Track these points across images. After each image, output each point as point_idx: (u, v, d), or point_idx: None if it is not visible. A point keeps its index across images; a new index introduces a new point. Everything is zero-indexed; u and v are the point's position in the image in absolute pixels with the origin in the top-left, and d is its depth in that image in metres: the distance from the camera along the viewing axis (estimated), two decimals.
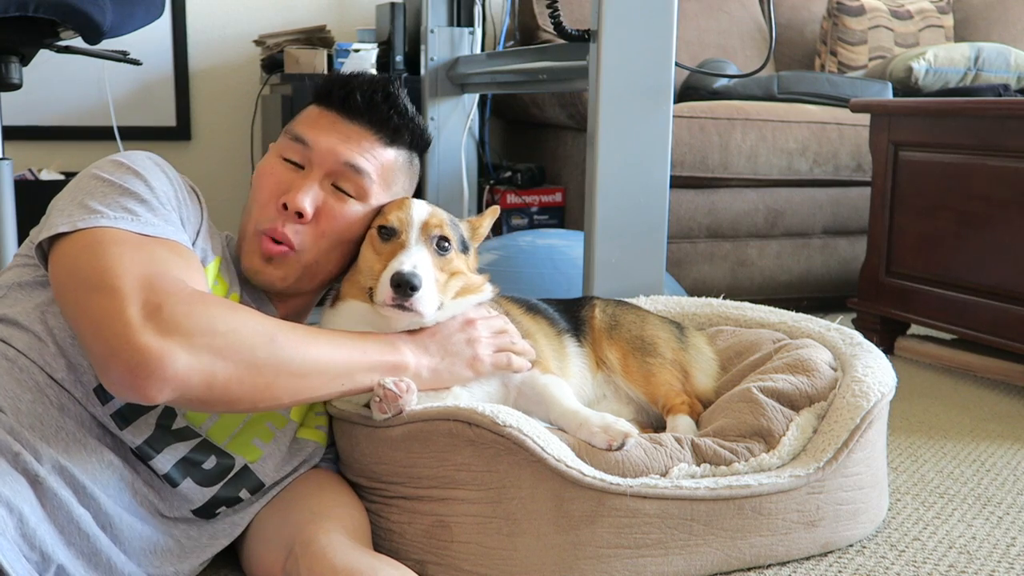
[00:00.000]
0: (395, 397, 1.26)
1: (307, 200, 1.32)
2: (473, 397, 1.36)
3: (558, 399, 1.39)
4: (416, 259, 1.29)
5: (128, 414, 1.19)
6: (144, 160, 1.28)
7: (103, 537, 1.14)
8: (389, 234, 1.34)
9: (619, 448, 1.30)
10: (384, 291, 1.27)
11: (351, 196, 1.36)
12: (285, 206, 1.33)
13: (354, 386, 1.25)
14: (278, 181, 1.36)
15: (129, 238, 1.15)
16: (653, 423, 1.59)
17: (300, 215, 1.32)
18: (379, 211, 1.38)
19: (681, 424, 1.51)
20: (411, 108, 1.42)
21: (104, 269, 1.10)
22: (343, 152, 1.35)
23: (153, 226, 1.18)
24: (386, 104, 1.39)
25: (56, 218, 1.18)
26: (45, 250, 1.20)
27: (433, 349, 1.33)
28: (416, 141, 1.44)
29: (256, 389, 1.13)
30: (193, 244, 1.28)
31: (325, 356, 1.21)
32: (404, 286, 1.25)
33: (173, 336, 1.06)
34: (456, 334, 1.35)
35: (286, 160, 1.37)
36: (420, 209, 1.36)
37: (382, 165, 1.39)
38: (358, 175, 1.36)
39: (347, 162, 1.35)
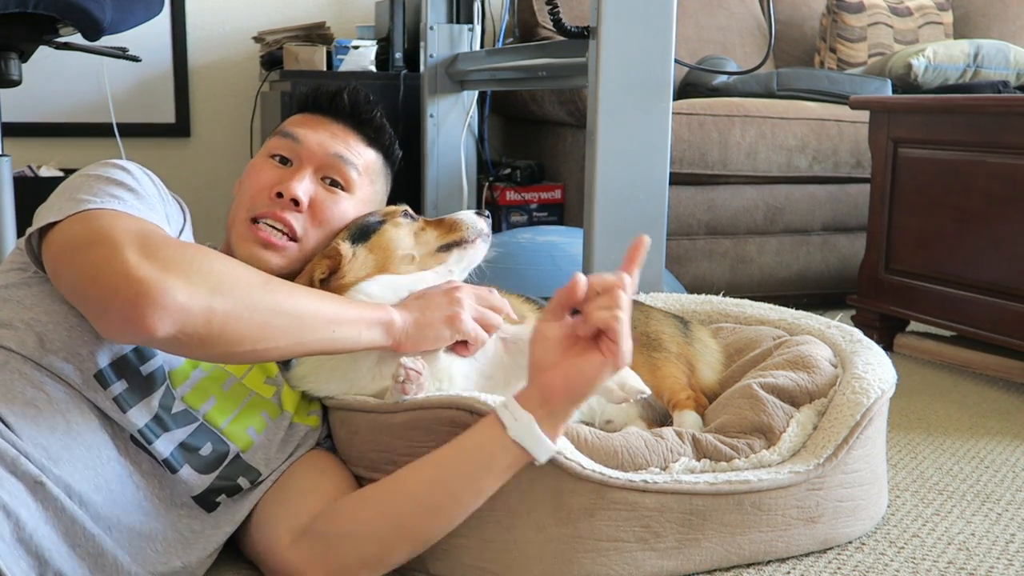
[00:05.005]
0: (418, 374, 1.29)
1: (300, 188, 1.43)
2: (470, 365, 1.39)
3: None
4: None
5: (129, 397, 1.20)
6: (128, 162, 1.32)
7: (108, 539, 1.14)
8: (414, 218, 1.49)
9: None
10: (476, 221, 1.48)
11: (341, 188, 1.47)
12: (280, 195, 1.42)
13: (345, 336, 1.25)
14: (270, 175, 1.45)
15: (118, 213, 1.18)
16: (659, 418, 1.59)
17: (296, 203, 1.42)
18: (372, 214, 1.48)
19: (688, 420, 1.51)
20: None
21: (97, 228, 1.13)
22: (331, 146, 1.47)
23: (138, 211, 1.21)
24: (368, 105, 1.53)
25: (44, 214, 1.20)
26: (35, 246, 1.21)
27: (413, 307, 1.35)
28: (391, 147, 1.57)
29: (254, 327, 1.14)
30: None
31: (314, 303, 1.24)
32: (485, 214, 1.49)
33: (171, 271, 1.08)
34: (438, 296, 1.37)
35: (275, 157, 1.47)
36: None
37: (366, 161, 1.51)
38: (346, 167, 1.47)
39: (336, 154, 1.47)
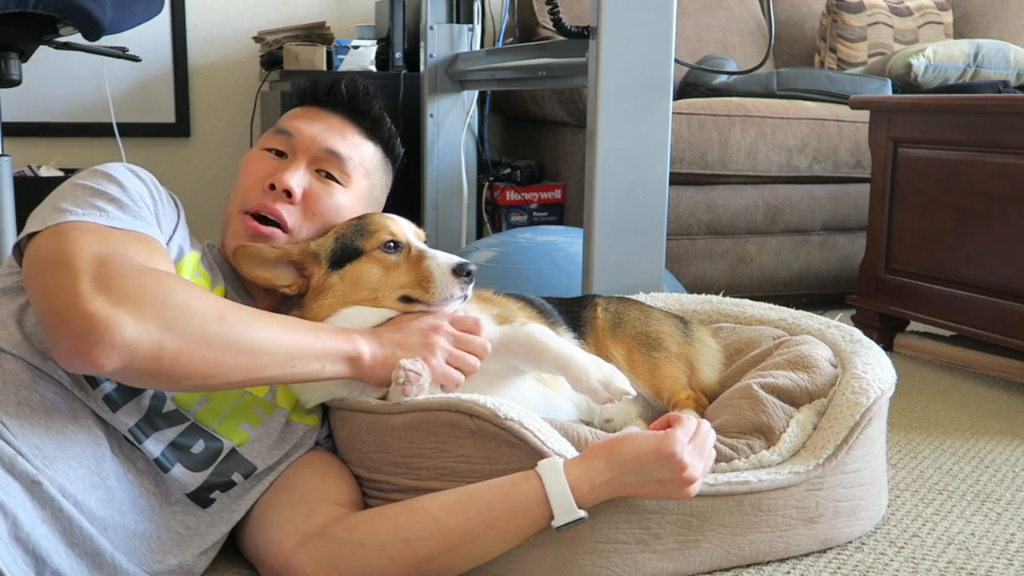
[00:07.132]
0: (417, 376, 1.28)
1: (294, 179, 1.42)
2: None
3: (547, 344, 1.38)
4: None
5: (118, 398, 1.20)
6: (119, 167, 1.31)
7: (103, 539, 1.14)
8: (397, 246, 1.39)
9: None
10: (448, 285, 1.34)
11: (336, 181, 1.46)
12: (272, 187, 1.41)
13: (306, 370, 1.23)
14: (264, 166, 1.45)
15: (92, 227, 1.18)
16: (658, 417, 1.59)
17: (288, 194, 1.41)
18: (358, 232, 1.40)
19: None
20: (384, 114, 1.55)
21: (61, 249, 1.13)
22: (325, 139, 1.46)
23: (120, 220, 1.21)
24: (366, 97, 1.51)
25: (31, 222, 1.21)
26: (23, 251, 1.22)
27: (386, 342, 1.31)
28: (391, 141, 1.55)
29: (205, 364, 1.13)
30: (169, 240, 1.31)
31: (275, 337, 1.21)
32: (467, 273, 1.35)
33: (122, 305, 1.07)
34: (415, 334, 1.33)
35: (270, 150, 1.47)
36: (402, 220, 1.44)
37: (362, 154, 1.49)
38: (340, 160, 1.46)
39: (329, 148, 1.45)
